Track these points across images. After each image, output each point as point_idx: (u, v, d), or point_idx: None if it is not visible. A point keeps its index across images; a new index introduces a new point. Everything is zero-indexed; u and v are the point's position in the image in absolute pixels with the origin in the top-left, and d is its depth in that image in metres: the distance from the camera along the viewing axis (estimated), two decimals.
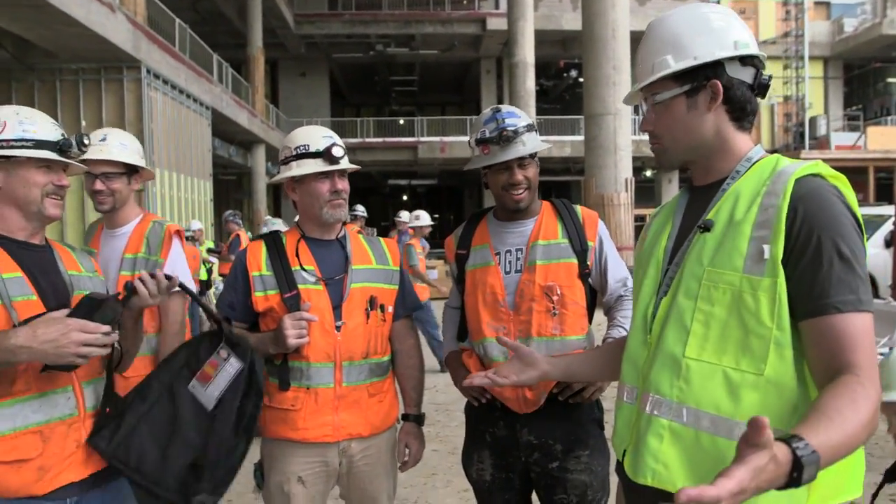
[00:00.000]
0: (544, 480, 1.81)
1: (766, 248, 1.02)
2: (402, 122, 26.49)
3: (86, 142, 1.51)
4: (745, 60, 1.13)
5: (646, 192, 23.35)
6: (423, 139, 24.14)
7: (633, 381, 1.20)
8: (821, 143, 21.92)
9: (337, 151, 1.77)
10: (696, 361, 1.07)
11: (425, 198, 39.57)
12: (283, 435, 1.76)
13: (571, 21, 21.21)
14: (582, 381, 1.70)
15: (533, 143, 1.81)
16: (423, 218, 7.47)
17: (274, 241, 1.83)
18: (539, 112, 20.16)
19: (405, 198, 35.70)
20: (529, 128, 1.81)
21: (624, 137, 10.68)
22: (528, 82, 16.85)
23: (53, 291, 1.42)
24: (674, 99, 1.15)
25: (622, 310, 1.90)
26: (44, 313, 1.33)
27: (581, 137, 10.35)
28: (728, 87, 1.12)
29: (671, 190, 25.35)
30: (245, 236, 8.39)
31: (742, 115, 1.15)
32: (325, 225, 1.84)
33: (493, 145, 1.79)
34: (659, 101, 1.17)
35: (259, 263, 1.80)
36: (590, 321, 1.91)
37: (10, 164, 1.38)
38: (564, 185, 25.47)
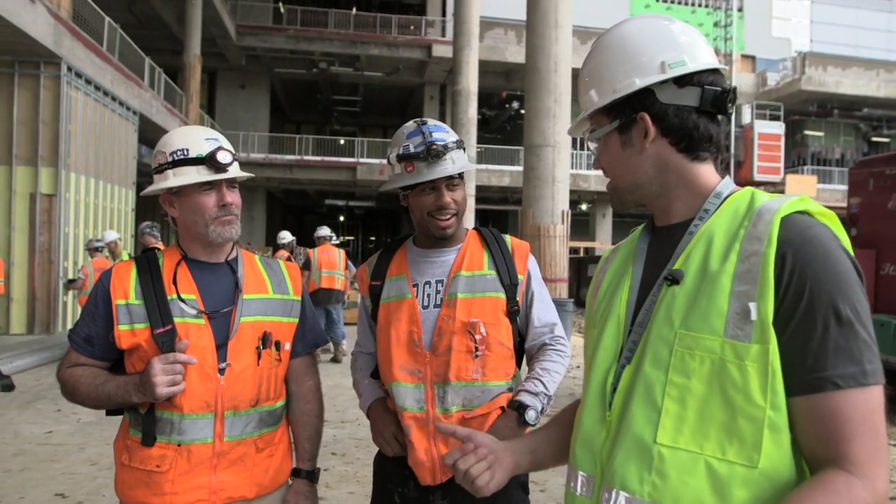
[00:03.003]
0: None
1: (752, 306, 0.82)
2: (342, 142, 26.11)
3: None
4: (683, 80, 0.94)
5: (580, 226, 23.81)
6: (362, 160, 23.83)
7: (589, 468, 0.96)
8: (745, 130, 22.85)
9: (223, 157, 1.46)
10: (671, 449, 0.85)
11: (363, 220, 39.13)
12: (145, 501, 1.44)
13: (515, 54, 21.56)
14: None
15: (462, 162, 1.59)
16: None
17: (148, 263, 1.51)
18: (480, 141, 20.26)
19: (342, 219, 35.13)
20: (458, 144, 1.59)
21: (562, 170, 10.77)
22: (471, 110, 16.89)
23: None
24: (608, 136, 1.01)
25: (544, 361, 1.64)
26: None
27: (520, 168, 10.37)
28: (662, 117, 0.95)
29: (605, 224, 25.98)
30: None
31: (691, 143, 0.96)
32: (213, 245, 1.53)
33: (419, 162, 1.55)
34: (593, 138, 1.03)
35: (126, 290, 1.47)
36: (518, 365, 1.69)
37: None
38: (502, 214, 25.66)
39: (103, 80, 11.34)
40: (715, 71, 0.96)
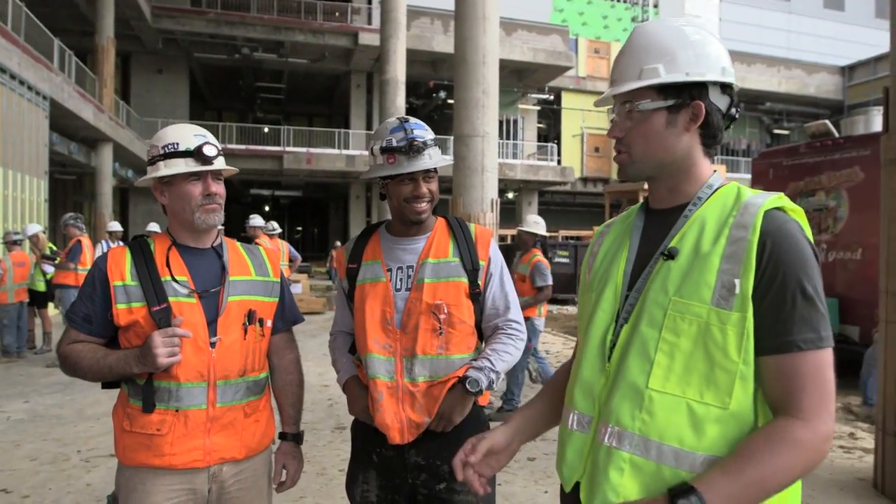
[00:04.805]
0: (431, 503, 1.76)
1: (737, 282, 1.00)
2: (266, 130, 25.57)
3: None
4: (725, 88, 1.12)
5: (507, 214, 24.38)
6: (289, 149, 23.45)
7: (587, 409, 1.14)
8: None
9: (209, 150, 1.60)
10: (660, 393, 1.04)
11: (289, 209, 38.41)
12: (146, 462, 1.57)
13: (442, 43, 21.76)
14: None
15: (437, 158, 1.79)
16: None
17: (140, 248, 1.63)
18: None
19: (268, 208, 34.37)
20: (434, 142, 1.79)
21: (491, 159, 11.06)
22: (399, 100, 16.94)
23: None
24: (655, 111, 1.11)
25: (494, 343, 1.82)
26: None
27: (449, 157, 10.60)
28: (709, 111, 1.10)
29: (531, 212, 26.71)
30: (87, 242, 7.57)
31: (713, 141, 1.14)
32: (199, 231, 1.67)
33: (401, 155, 1.74)
34: (641, 109, 1.12)
35: (122, 272, 1.59)
36: (481, 339, 1.90)
37: None
38: None
39: (10, 63, 10.69)
40: (735, 91, 1.14)
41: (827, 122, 7.49)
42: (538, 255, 5.26)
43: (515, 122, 26.82)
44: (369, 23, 23.11)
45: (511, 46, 22.87)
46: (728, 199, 1.10)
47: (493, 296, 1.86)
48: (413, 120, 1.81)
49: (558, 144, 27.48)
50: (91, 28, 17.95)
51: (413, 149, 1.72)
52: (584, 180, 27.57)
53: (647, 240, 1.17)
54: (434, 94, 24.70)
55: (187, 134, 1.63)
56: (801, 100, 29.13)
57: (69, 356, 1.57)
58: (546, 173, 25.05)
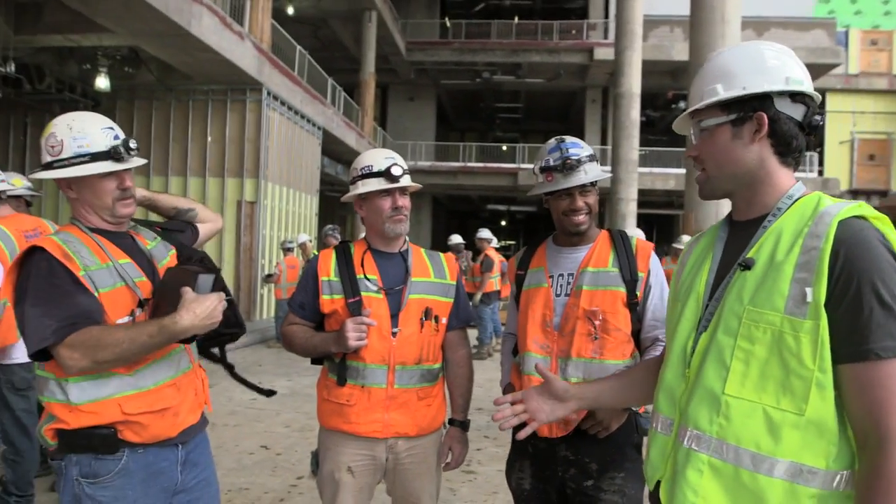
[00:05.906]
0: (578, 498, 1.86)
1: (808, 290, 1.02)
2: (504, 148, 26.74)
3: (131, 146, 1.58)
4: (796, 97, 1.14)
5: None
6: (523, 166, 24.23)
7: (670, 412, 1.21)
8: None
9: (396, 171, 1.92)
10: (736, 399, 1.08)
11: (524, 224, 39.54)
12: (337, 426, 1.94)
13: (681, 52, 20.58)
14: (613, 407, 1.73)
15: (594, 172, 1.90)
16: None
17: (343, 251, 2.02)
18: (644, 143, 19.67)
19: (504, 223, 35.84)
20: (591, 158, 1.91)
21: None
22: (633, 113, 16.51)
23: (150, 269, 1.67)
24: (719, 126, 1.17)
25: (652, 356, 1.86)
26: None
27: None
28: (774, 121, 1.13)
29: None
30: None
31: (787, 150, 1.15)
32: (389, 238, 2.00)
33: (557, 173, 1.89)
34: (705, 127, 1.18)
35: (328, 269, 1.99)
36: (639, 348, 1.95)
37: (77, 180, 1.55)
38: (666, 218, 24.66)
39: (294, 101, 12.91)
40: (815, 101, 1.16)
41: None
42: None
43: None
44: (605, 37, 22.94)
45: None
46: (807, 209, 1.11)
47: (654, 307, 1.91)
48: (569, 139, 1.94)
49: (821, 153, 24.14)
50: (356, 66, 20.72)
51: (567, 166, 1.86)
52: (854, 193, 23.72)
53: (729, 251, 1.21)
54: (673, 105, 23.52)
55: (379, 157, 1.98)
56: None
57: (287, 335, 2.02)
58: None
